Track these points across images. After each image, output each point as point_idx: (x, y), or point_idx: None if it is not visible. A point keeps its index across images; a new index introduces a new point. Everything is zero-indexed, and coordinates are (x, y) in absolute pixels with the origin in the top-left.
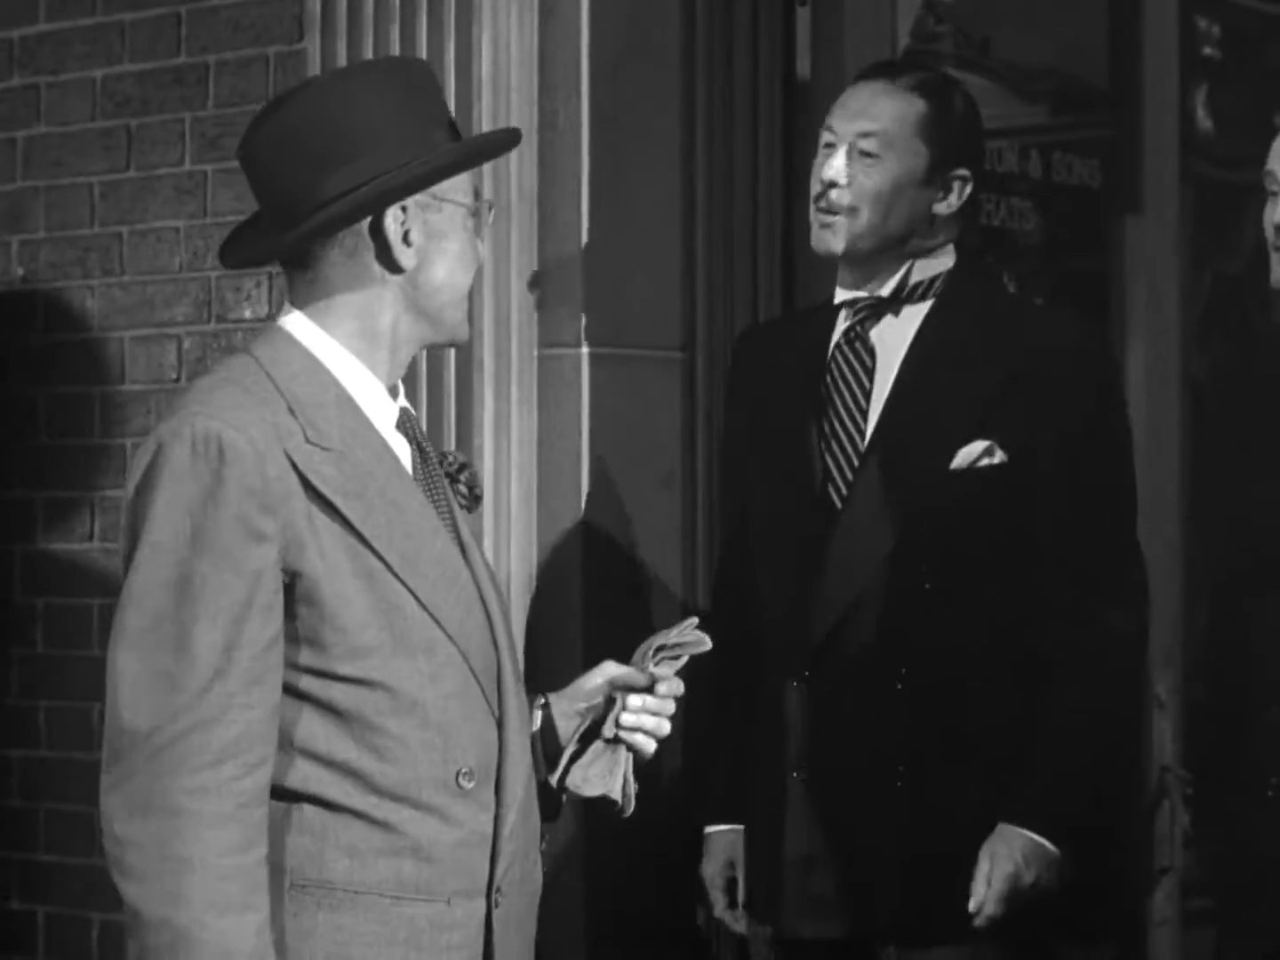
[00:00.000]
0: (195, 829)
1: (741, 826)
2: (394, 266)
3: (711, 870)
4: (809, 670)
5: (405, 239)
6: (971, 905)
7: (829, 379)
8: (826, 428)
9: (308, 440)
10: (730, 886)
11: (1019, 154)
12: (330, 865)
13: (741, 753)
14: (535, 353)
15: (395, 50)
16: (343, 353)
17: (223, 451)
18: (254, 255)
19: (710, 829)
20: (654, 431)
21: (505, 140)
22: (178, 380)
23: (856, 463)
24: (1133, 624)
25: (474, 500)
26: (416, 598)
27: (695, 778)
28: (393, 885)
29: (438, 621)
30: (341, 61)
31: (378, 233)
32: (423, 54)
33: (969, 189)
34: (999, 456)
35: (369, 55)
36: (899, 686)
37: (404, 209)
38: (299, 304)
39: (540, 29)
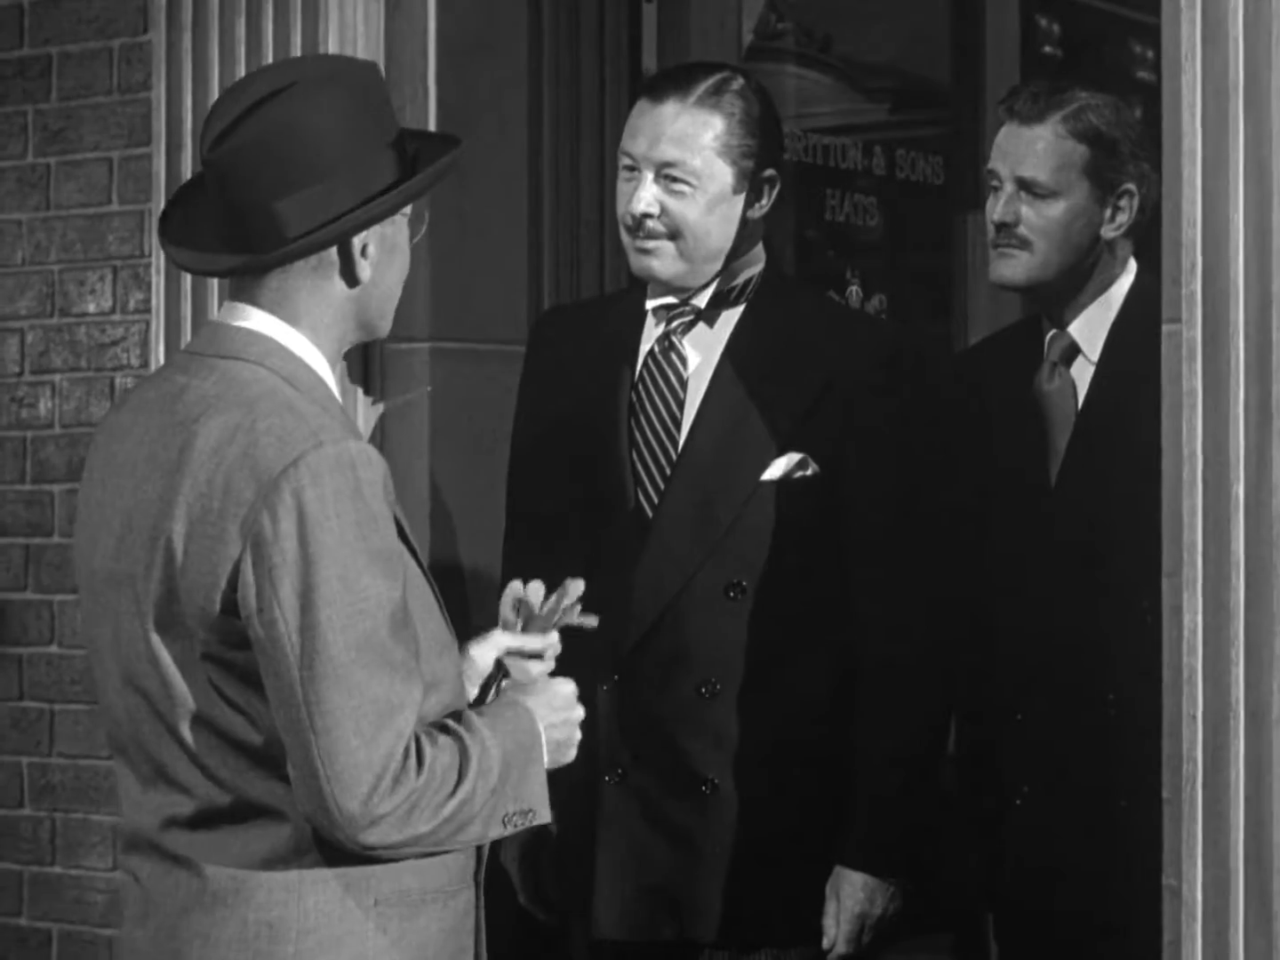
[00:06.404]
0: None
1: None
2: (353, 280)
3: (508, 857)
4: (618, 675)
5: (364, 252)
6: (825, 943)
7: (641, 387)
8: (638, 436)
9: None
10: (529, 875)
11: (863, 150)
12: (404, 875)
13: None
14: (381, 347)
15: (240, 42)
16: (322, 361)
17: (371, 465)
18: (220, 270)
19: None
20: (498, 426)
21: (458, 157)
22: (20, 374)
23: (669, 472)
24: (935, 638)
25: None
26: (438, 600)
27: None
28: (445, 879)
29: (446, 622)
30: (187, 55)
31: (344, 249)
32: (268, 46)
33: (777, 188)
34: (811, 469)
35: (214, 48)
36: (705, 694)
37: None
38: (260, 306)
39: (386, 22)
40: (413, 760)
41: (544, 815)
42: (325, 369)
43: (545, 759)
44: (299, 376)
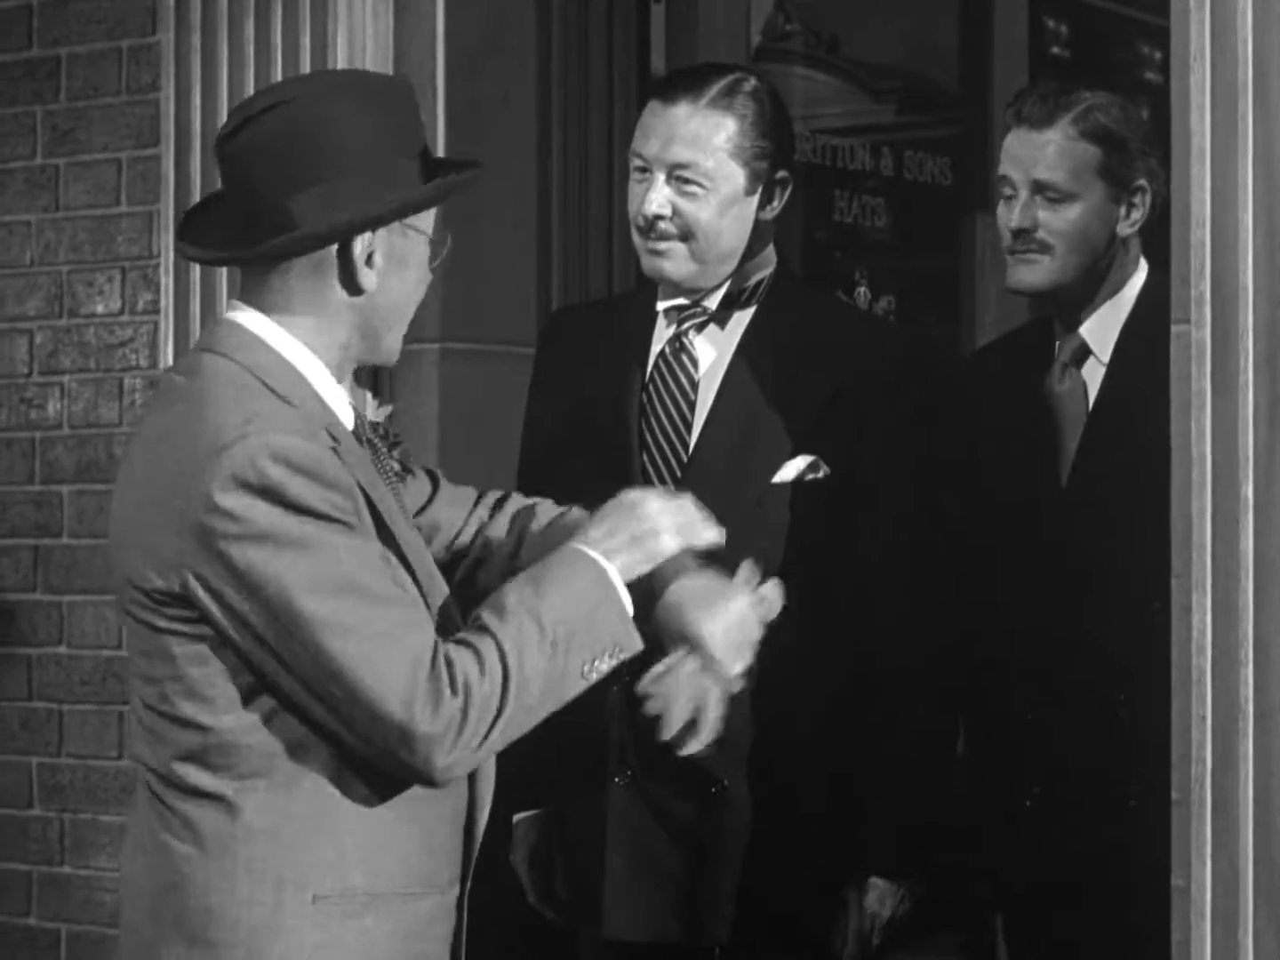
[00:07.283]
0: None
1: (541, 811)
2: (355, 288)
3: (517, 858)
4: (628, 676)
5: (368, 261)
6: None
7: (652, 388)
8: (649, 438)
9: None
10: (539, 875)
11: (871, 151)
12: (352, 873)
13: (547, 743)
14: None
15: (249, 43)
16: (312, 360)
17: (291, 454)
18: (219, 258)
19: (517, 816)
20: (507, 427)
21: (475, 178)
22: (29, 375)
23: (679, 474)
24: (947, 640)
25: (403, 474)
26: (422, 591)
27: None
28: (402, 882)
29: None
30: (195, 55)
31: (344, 252)
32: (277, 47)
33: (789, 189)
34: (823, 471)
35: (223, 49)
36: None
37: (372, 232)
38: (259, 306)
39: (395, 24)
40: (444, 680)
41: (632, 646)
42: (316, 368)
43: (619, 591)
44: (272, 369)
